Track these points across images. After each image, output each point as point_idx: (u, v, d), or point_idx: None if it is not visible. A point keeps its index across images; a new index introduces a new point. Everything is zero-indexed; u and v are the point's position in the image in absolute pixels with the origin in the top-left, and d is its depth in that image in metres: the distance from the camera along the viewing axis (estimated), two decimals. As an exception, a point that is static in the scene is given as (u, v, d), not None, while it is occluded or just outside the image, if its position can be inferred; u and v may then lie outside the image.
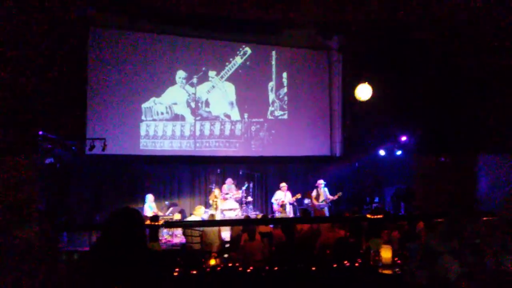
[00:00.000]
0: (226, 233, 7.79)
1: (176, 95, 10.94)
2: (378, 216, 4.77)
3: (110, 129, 9.92)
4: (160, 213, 9.38)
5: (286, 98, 11.93)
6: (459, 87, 8.99)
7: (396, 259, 3.90)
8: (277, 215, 10.16)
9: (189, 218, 8.39)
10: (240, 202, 10.40)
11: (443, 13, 8.12)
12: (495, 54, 8.04)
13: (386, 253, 3.86)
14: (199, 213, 7.83)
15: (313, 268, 3.89)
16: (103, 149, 9.01)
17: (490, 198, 9.11)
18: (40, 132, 7.66)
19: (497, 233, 2.12)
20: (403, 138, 11.02)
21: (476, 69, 8.54)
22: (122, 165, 10.28)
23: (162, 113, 10.80)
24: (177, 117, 10.94)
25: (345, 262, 4.07)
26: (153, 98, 10.69)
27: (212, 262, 4.21)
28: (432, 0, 8.08)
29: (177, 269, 3.68)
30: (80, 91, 9.68)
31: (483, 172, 9.57)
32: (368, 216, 4.75)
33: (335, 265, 4.00)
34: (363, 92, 7.74)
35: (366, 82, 7.74)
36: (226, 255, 5.50)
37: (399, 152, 11.26)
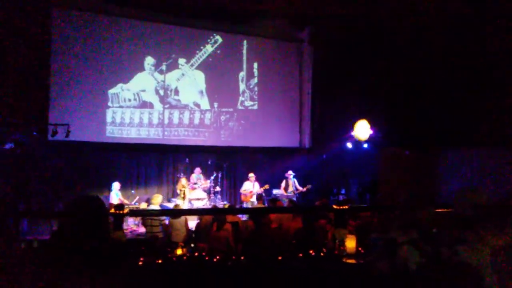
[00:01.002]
0: (193, 223, 7.73)
1: (144, 82, 10.69)
2: (344, 207, 4.85)
3: (75, 115, 9.59)
4: (126, 202, 9.20)
5: (256, 88, 11.91)
6: (426, 82, 9.23)
7: (360, 249, 3.99)
8: (245, 205, 10.19)
9: (150, 207, 8.22)
10: (208, 192, 10.35)
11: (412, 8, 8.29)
12: (461, 50, 8.29)
13: (350, 243, 3.94)
14: (157, 202, 7.67)
15: (279, 258, 3.92)
16: (67, 135, 8.69)
17: (451, 191, 9.45)
18: (-1, 116, 7.32)
19: (453, 225, 2.19)
20: (370, 132, 11.25)
21: (443, 65, 8.79)
22: (87, 152, 9.97)
23: (129, 100, 10.54)
24: (145, 105, 10.71)
25: (311, 251, 4.12)
26: (120, 84, 10.41)
27: (179, 251, 4.17)
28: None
29: (142, 259, 3.61)
30: (43, 74, 9.29)
31: (447, 165, 9.92)
32: (334, 206, 4.83)
33: (300, 255, 4.05)
34: (362, 131, 7.67)
35: (365, 120, 7.71)
36: (192, 245, 5.46)
37: (365, 145, 11.49)
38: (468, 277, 1.88)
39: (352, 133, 7.76)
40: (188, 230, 6.99)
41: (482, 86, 8.21)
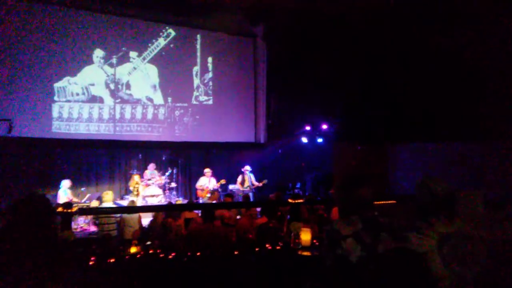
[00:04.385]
0: (147, 220, 7.55)
1: (93, 75, 10.27)
2: (299, 200, 4.93)
3: (18, 109, 9.08)
4: (76, 200, 8.83)
5: (211, 83, 11.80)
6: (380, 77, 9.50)
7: (315, 241, 4.06)
8: (201, 201, 10.10)
9: (103, 205, 7.94)
10: (163, 188, 10.17)
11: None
12: (415, 42, 8.57)
13: (305, 236, 4.01)
14: (109, 199, 7.41)
15: (236, 253, 3.91)
16: (9, 131, 8.20)
17: (402, 184, 9.89)
18: None
19: (405, 214, 2.27)
20: (324, 126, 11.51)
21: (397, 59, 9.06)
22: (32, 149, 9.46)
23: (77, 94, 10.09)
24: (94, 99, 10.31)
25: (267, 245, 4.15)
26: (67, 78, 9.94)
27: (133, 249, 4.05)
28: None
29: (92, 258, 3.48)
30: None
31: (398, 159, 10.34)
32: (290, 200, 4.90)
33: (257, 249, 4.07)
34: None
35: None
36: (148, 242, 5.34)
37: (320, 140, 11.75)
38: (414, 264, 1.96)
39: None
40: (142, 227, 6.83)
41: (438, 80, 8.50)
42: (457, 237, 2.07)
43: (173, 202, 9.83)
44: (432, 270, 1.98)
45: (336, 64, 9.84)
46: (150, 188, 9.80)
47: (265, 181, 10.65)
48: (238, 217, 6.43)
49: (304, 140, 11.93)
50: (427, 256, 1.99)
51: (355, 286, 1.87)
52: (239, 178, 10.68)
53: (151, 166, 10.34)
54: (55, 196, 8.65)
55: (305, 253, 3.87)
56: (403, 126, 9.09)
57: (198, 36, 11.58)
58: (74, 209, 3.92)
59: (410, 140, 9.64)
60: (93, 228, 8.47)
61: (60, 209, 3.91)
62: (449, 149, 8.82)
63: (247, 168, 10.70)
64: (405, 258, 1.93)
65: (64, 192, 8.78)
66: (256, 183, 10.62)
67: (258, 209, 6.79)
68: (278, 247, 4.14)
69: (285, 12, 9.87)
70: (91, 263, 3.28)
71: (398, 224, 1.98)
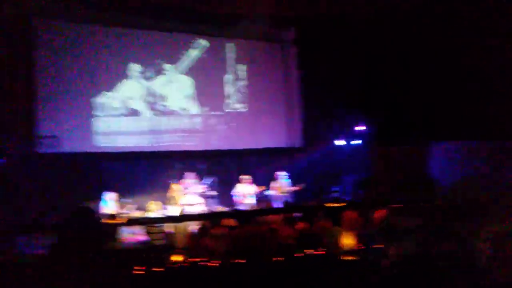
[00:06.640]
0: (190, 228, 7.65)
1: (130, 89, 10.60)
2: (338, 205, 4.88)
3: (62, 125, 9.49)
4: (119, 211, 9.08)
5: (244, 91, 11.89)
6: (414, 79, 9.32)
7: (357, 245, 3.99)
8: (239, 208, 10.14)
9: (147, 215, 8.17)
10: (201, 196, 10.28)
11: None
12: (449, 44, 8.37)
13: (348, 240, 3.95)
14: (152, 209, 7.58)
15: (279, 259, 3.90)
16: (54, 147, 8.61)
17: (440, 184, 9.54)
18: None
19: (444, 217, 2.20)
20: (361, 128, 11.32)
21: (430, 61, 8.88)
22: (75, 163, 9.85)
23: (116, 108, 10.44)
24: (132, 112, 10.62)
25: (308, 251, 4.11)
26: (106, 93, 10.31)
27: (178, 258, 4.12)
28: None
29: (138, 267, 3.57)
30: (28, 85, 9.19)
31: (435, 159, 10.02)
32: (329, 204, 4.85)
33: (297, 255, 4.04)
34: None
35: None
36: (191, 251, 5.41)
37: (357, 142, 11.55)
38: (471, 264, 1.90)
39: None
40: (186, 236, 6.92)
41: (473, 79, 8.29)
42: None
43: (213, 210, 9.91)
44: (487, 271, 1.91)
45: (371, 66, 9.72)
46: (188, 197, 9.94)
47: (302, 185, 10.57)
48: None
49: (341, 143, 11.76)
50: (481, 256, 1.93)
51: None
52: (275, 184, 10.66)
53: (189, 175, 10.48)
54: (98, 208, 8.93)
55: (348, 258, 3.81)
56: (444, 125, 8.84)
57: (230, 45, 11.71)
58: (119, 220, 4.05)
59: (453, 139, 9.34)
60: (138, 238, 8.68)
61: (105, 220, 4.05)
62: (495, 147, 8.48)
63: (283, 173, 10.66)
64: (463, 259, 1.87)
65: (107, 204, 9.05)
66: (292, 188, 10.56)
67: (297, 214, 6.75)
68: (320, 252, 4.10)
69: (315, 16, 9.86)
70: (139, 272, 3.37)
71: (453, 225, 1.93)
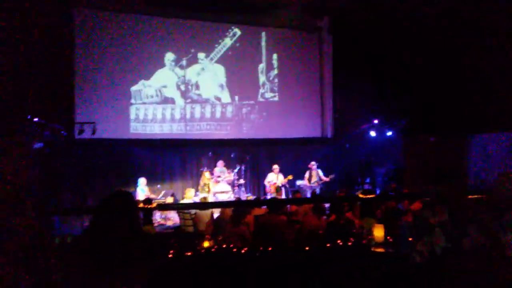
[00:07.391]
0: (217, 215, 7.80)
1: (165, 77, 10.81)
2: (370, 196, 4.82)
3: (100, 112, 9.81)
4: (153, 196, 9.36)
5: (276, 80, 11.87)
6: (450, 68, 9.02)
7: (388, 237, 3.95)
8: (269, 196, 10.21)
9: (184, 201, 8.38)
10: (232, 184, 10.41)
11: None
12: (484, 38, 8.06)
13: (378, 232, 3.92)
14: (189, 196, 7.80)
15: (307, 248, 3.93)
16: (93, 133, 8.92)
17: (480, 176, 9.27)
18: (28, 117, 7.54)
19: (487, 210, 2.15)
20: (393, 119, 11.08)
21: (466, 51, 8.57)
22: (112, 149, 10.19)
23: (151, 96, 10.68)
24: (167, 100, 10.84)
25: (338, 241, 4.11)
26: (142, 81, 10.56)
27: (206, 244, 4.23)
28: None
29: (171, 251, 3.69)
30: (68, 74, 9.54)
31: (474, 151, 9.70)
32: (360, 195, 4.81)
33: (328, 245, 4.05)
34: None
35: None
36: (220, 237, 5.52)
37: (389, 133, 11.33)
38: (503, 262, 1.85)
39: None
40: (214, 223, 7.06)
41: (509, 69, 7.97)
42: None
43: (242, 198, 10.04)
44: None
45: (404, 54, 9.46)
46: (219, 185, 10.08)
47: (332, 176, 10.50)
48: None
49: (373, 133, 11.56)
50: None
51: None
52: (306, 174, 10.64)
53: (220, 163, 10.61)
54: (133, 193, 9.22)
55: (379, 250, 3.78)
56: (480, 116, 8.53)
57: (263, 34, 11.69)
58: (154, 205, 4.19)
59: (489, 130, 9.01)
60: (169, 223, 8.93)
61: (141, 205, 4.20)
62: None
63: (314, 163, 10.62)
64: (496, 256, 1.83)
65: (142, 189, 9.34)
66: (324, 178, 10.51)
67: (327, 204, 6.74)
68: (349, 243, 4.09)
69: (350, 4, 9.66)
70: (170, 255, 3.49)
71: (486, 219, 1.89)
